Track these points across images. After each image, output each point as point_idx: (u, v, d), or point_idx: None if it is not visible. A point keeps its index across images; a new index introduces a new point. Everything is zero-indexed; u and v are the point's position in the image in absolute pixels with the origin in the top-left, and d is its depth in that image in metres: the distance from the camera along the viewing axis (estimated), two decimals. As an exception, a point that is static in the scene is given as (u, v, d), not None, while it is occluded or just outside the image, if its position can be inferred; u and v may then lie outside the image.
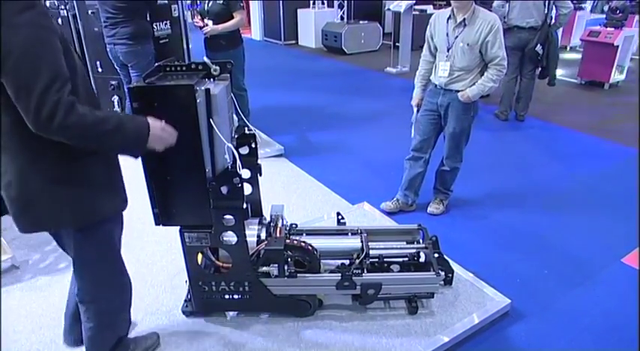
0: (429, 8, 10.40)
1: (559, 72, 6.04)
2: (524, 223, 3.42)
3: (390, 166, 3.70)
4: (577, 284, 2.78)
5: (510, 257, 3.03)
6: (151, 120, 1.61)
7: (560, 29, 5.67)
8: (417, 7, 8.59)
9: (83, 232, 1.71)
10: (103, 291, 1.90)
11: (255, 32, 12.20)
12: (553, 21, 5.19)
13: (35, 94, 1.33)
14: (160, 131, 1.63)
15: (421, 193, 3.60)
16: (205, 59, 2.00)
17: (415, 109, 3.40)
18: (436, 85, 3.23)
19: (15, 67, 1.34)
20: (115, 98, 4.78)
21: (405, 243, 2.71)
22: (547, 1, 5.04)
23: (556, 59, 5.34)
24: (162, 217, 2.06)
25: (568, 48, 9.91)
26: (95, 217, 1.69)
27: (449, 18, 3.07)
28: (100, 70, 4.72)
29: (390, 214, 3.51)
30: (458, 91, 3.11)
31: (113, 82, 4.70)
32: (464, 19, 2.99)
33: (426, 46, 3.30)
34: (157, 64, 2.04)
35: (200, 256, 2.25)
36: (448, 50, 3.07)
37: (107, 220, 1.76)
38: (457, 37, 3.03)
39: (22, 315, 2.50)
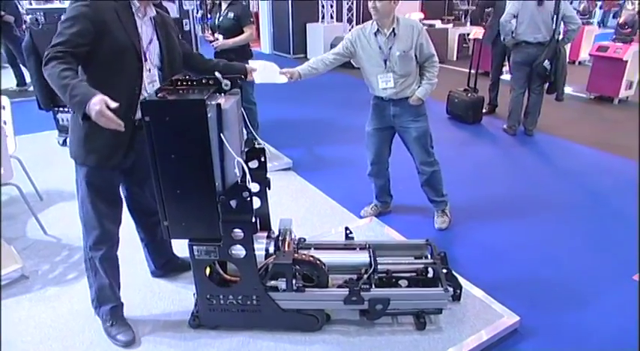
0: (437, 23, 10.48)
1: (567, 87, 6.04)
2: (533, 239, 3.40)
3: (398, 180, 3.70)
4: (588, 301, 2.75)
5: (519, 273, 3.01)
6: (96, 99, 1.72)
7: (569, 44, 5.68)
8: (425, 21, 8.64)
9: (75, 167, 2.22)
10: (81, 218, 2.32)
11: (264, 46, 12.31)
12: (561, 36, 5.20)
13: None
14: (95, 113, 1.72)
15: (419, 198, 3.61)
16: (217, 74, 2.02)
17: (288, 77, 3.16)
18: (383, 98, 3.29)
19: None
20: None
21: (413, 258, 2.70)
22: (555, 17, 5.05)
23: (564, 74, 5.34)
24: (171, 230, 2.08)
25: (577, 63, 9.91)
26: (76, 159, 2.16)
27: (376, 33, 3.15)
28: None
29: (382, 222, 3.51)
30: (408, 98, 3.21)
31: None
32: (393, 30, 3.10)
33: (341, 46, 3.31)
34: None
35: (208, 269, 2.26)
36: (386, 62, 3.15)
37: (84, 166, 2.16)
38: (391, 47, 3.11)
39: (30, 325, 2.51)
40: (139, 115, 1.98)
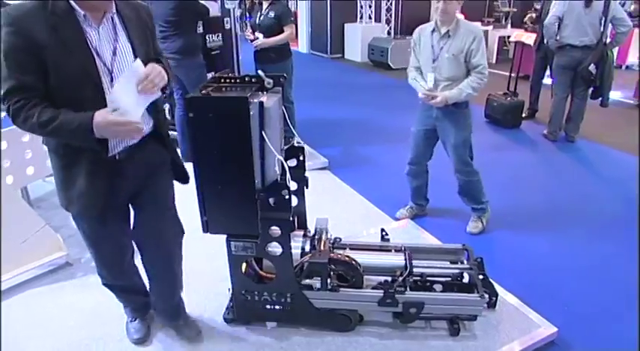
0: (477, 25, 10.29)
1: (613, 92, 5.84)
2: (572, 248, 3.30)
3: (435, 183, 3.66)
4: (629, 316, 2.66)
5: (557, 283, 2.93)
6: (99, 116, 1.58)
7: (616, 47, 5.49)
8: (465, 23, 8.52)
9: None
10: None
11: (302, 45, 12.37)
12: (609, 39, 5.04)
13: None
14: (106, 125, 1.58)
15: (456, 202, 3.56)
16: (260, 72, 2.04)
17: (425, 91, 3.23)
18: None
19: None
20: (166, 106, 4.93)
21: (448, 262, 2.67)
22: (604, 19, 4.89)
23: (610, 79, 5.16)
24: (210, 225, 2.11)
25: (624, 67, 9.60)
26: (61, 205, 1.92)
27: (433, 31, 3.12)
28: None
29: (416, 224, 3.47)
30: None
31: (165, 91, 4.85)
32: (448, 31, 3.05)
33: (412, 57, 3.34)
34: (212, 75, 2.11)
35: (244, 265, 2.29)
36: (434, 61, 3.12)
37: (72, 213, 1.95)
38: (442, 48, 3.07)
39: (74, 310, 2.60)
40: (118, 146, 1.80)
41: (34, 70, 1.57)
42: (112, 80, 1.69)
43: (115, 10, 1.74)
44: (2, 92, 1.58)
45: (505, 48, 10.99)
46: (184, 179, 2.17)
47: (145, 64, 1.74)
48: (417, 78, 3.32)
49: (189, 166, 2.07)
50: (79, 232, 2.04)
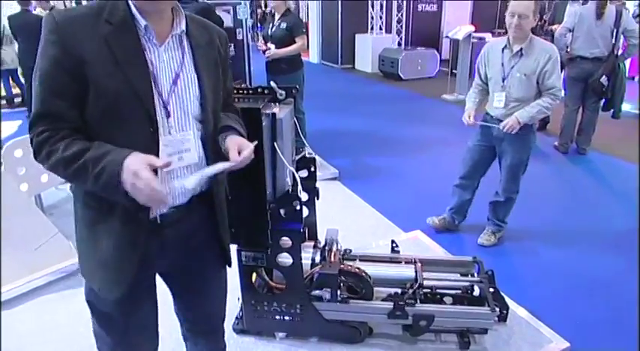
0: (488, 36, 10.31)
1: (625, 104, 5.81)
2: (582, 263, 3.27)
3: (445, 195, 3.65)
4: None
5: (568, 298, 2.90)
6: (131, 160, 1.16)
7: (628, 59, 5.47)
8: (475, 34, 8.54)
9: None
10: None
11: (312, 55, 12.44)
12: (620, 51, 5.02)
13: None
14: (131, 177, 1.14)
15: (469, 216, 3.54)
16: (272, 84, 2.06)
17: (468, 120, 3.23)
18: (492, 116, 3.17)
19: None
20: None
21: (459, 275, 2.65)
22: (615, 31, 4.88)
23: (622, 91, 5.14)
24: (221, 235, 2.12)
25: (635, 79, 9.53)
26: (85, 276, 1.51)
27: (504, 48, 3.03)
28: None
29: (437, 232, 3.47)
30: None
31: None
32: (521, 49, 2.94)
33: (477, 74, 3.28)
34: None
35: (254, 275, 2.29)
36: (504, 80, 3.02)
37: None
38: (513, 67, 2.98)
39: (84, 317, 2.58)
40: (157, 209, 1.37)
41: (71, 94, 1.23)
42: (167, 116, 1.32)
43: (184, 28, 1.37)
44: (30, 118, 1.27)
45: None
46: (226, 262, 1.71)
47: (207, 105, 1.41)
48: (470, 97, 3.27)
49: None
50: (91, 321, 1.61)
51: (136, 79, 1.26)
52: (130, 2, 1.27)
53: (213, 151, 1.44)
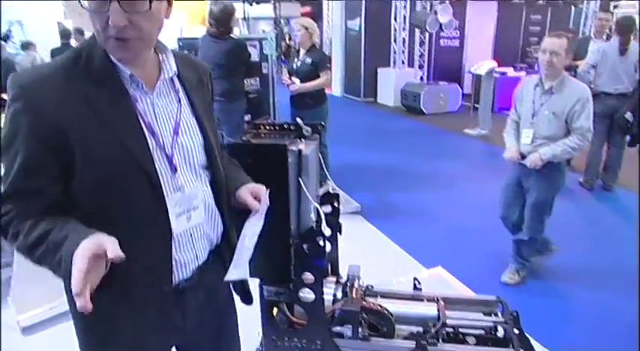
0: (510, 71, 10.34)
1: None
2: (610, 305, 3.18)
3: (467, 230, 3.62)
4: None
5: (595, 341, 2.82)
6: (83, 245, 0.94)
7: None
8: (497, 69, 8.58)
9: None
10: None
11: (335, 88, 12.61)
12: (645, 87, 4.99)
13: None
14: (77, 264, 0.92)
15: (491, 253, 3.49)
16: (298, 120, 2.10)
17: (511, 155, 3.20)
18: (521, 153, 3.16)
19: None
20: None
21: (482, 314, 2.60)
22: (639, 66, 4.86)
23: (649, 127, 5.08)
24: (243, 269, 2.13)
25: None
26: None
27: (537, 85, 3.03)
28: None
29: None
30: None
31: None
32: (551, 87, 2.93)
33: (513, 110, 3.27)
34: (252, 121, 2.16)
35: (275, 310, 2.28)
36: (533, 117, 3.01)
37: None
38: (543, 104, 2.97)
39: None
40: (179, 275, 1.25)
41: (51, 169, 1.06)
42: (173, 171, 1.18)
43: (175, 69, 1.23)
44: (2, 190, 1.08)
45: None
46: (247, 300, 1.71)
47: (212, 150, 1.32)
48: (510, 133, 3.24)
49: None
50: None
51: (129, 139, 1.10)
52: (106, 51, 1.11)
53: (227, 203, 1.37)
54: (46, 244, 1.02)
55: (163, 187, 1.16)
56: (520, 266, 3.40)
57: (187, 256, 1.27)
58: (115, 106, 1.09)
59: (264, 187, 1.39)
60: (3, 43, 9.25)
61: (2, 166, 1.08)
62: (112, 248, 0.93)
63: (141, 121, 1.13)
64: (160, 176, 1.15)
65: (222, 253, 1.45)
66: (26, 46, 8.64)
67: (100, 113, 1.07)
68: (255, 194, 1.36)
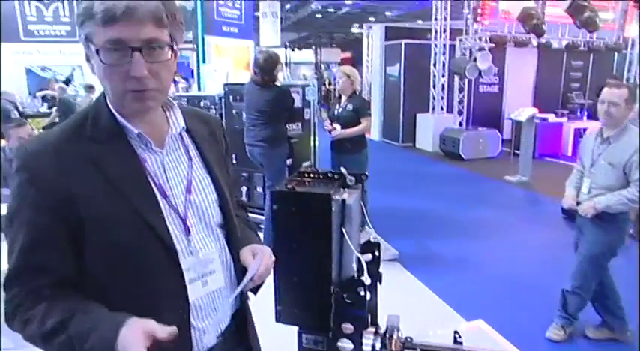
0: (551, 117, 10.23)
1: None
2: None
3: (509, 282, 3.53)
4: None
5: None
6: (127, 333, 0.91)
7: None
8: (538, 115, 8.50)
9: None
10: None
11: (374, 133, 12.71)
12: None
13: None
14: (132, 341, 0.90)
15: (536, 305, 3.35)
16: (342, 170, 2.14)
17: (569, 203, 3.12)
18: (579, 203, 3.06)
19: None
20: (244, 189, 5.17)
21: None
22: None
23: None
24: (283, 315, 2.12)
25: None
26: None
27: (597, 134, 2.98)
28: (234, 162, 5.19)
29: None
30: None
31: (244, 174, 5.14)
32: (609, 137, 2.87)
33: (577, 158, 3.22)
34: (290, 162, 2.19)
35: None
36: (591, 167, 2.96)
37: None
38: (600, 154, 2.90)
39: None
40: (200, 344, 1.16)
41: (61, 241, 1.00)
42: (187, 233, 1.12)
43: (184, 124, 1.18)
44: (4, 277, 1.02)
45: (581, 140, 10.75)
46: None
47: (227, 207, 1.26)
48: (571, 182, 3.18)
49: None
50: None
51: (140, 204, 1.04)
52: (112, 111, 1.07)
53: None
54: (67, 334, 0.95)
55: (178, 252, 1.10)
56: (565, 322, 3.25)
57: (208, 323, 1.19)
58: (124, 168, 1.05)
59: (267, 249, 1.34)
60: (64, 85, 10.01)
61: (6, 243, 1.02)
62: (160, 329, 0.92)
63: (151, 182, 1.08)
64: (174, 240, 1.09)
65: (246, 315, 1.41)
66: (88, 88, 9.32)
67: (109, 177, 1.02)
68: (255, 253, 1.31)
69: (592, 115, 10.70)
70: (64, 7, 11.25)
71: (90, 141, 1.04)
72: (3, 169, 3.63)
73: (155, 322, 0.93)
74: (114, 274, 1.03)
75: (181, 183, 1.15)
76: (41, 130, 8.86)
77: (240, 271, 1.30)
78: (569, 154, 10.22)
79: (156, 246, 1.06)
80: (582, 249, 3.04)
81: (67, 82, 10.64)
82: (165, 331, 0.92)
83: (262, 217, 4.83)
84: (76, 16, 1.01)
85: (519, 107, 8.73)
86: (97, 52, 0.98)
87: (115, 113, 1.07)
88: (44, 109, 10.52)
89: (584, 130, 10.26)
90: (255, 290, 1.50)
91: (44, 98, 10.54)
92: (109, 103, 1.07)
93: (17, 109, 8.85)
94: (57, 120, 9.09)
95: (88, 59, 1.05)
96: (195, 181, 1.18)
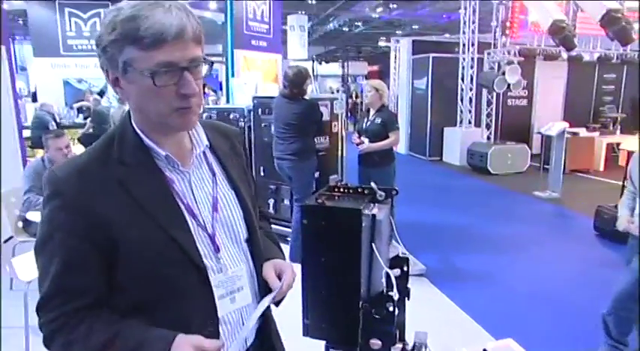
0: (582, 131, 10.04)
1: None
2: None
3: (539, 299, 3.45)
4: None
5: None
6: (176, 344, 0.98)
7: None
8: (569, 129, 8.35)
9: None
10: None
11: (400, 146, 12.66)
12: None
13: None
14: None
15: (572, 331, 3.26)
16: (372, 185, 2.14)
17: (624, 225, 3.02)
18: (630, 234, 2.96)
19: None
20: (271, 201, 5.22)
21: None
22: None
23: None
24: (310, 329, 2.13)
25: None
26: None
27: None
28: (262, 174, 5.25)
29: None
30: None
31: (272, 187, 5.19)
32: None
33: (630, 181, 3.11)
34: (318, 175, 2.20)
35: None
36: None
37: None
38: None
39: None
40: None
41: (95, 263, 1.02)
42: (216, 250, 1.13)
43: (207, 143, 1.18)
44: (39, 300, 1.02)
45: (614, 154, 10.53)
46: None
47: (252, 221, 1.26)
48: (624, 203, 3.10)
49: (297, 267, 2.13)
50: None
51: (171, 225, 1.05)
52: (138, 132, 1.08)
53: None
54: (116, 347, 0.99)
55: (208, 269, 1.11)
56: (610, 349, 3.06)
57: (235, 339, 1.18)
58: (151, 190, 1.06)
59: (289, 266, 1.31)
60: (98, 97, 10.38)
61: (39, 265, 1.03)
62: (208, 343, 0.98)
63: (179, 202, 1.09)
64: (204, 258, 1.10)
65: (270, 330, 1.39)
66: (120, 100, 9.62)
67: (138, 199, 1.03)
68: (278, 271, 1.29)
69: (625, 130, 10.48)
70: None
71: (117, 163, 1.04)
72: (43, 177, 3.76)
73: (201, 337, 0.98)
74: (145, 293, 1.05)
75: (208, 201, 1.15)
76: (76, 141, 9.16)
77: (264, 286, 1.29)
78: (602, 169, 10.00)
79: (185, 265, 1.07)
80: (627, 272, 2.91)
81: (101, 93, 11.02)
82: (213, 345, 0.97)
83: (289, 230, 4.87)
84: (109, 42, 0.98)
85: (549, 121, 8.61)
86: (144, 73, 0.98)
87: (142, 135, 1.08)
88: (79, 119, 10.89)
89: (618, 144, 10.10)
90: (277, 303, 1.45)
91: (80, 110, 10.90)
92: (134, 124, 1.09)
93: (55, 120, 9.16)
94: (91, 130, 9.37)
95: (115, 84, 1.04)
96: (220, 198, 1.19)
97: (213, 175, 1.19)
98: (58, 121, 9.60)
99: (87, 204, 1.00)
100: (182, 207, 1.09)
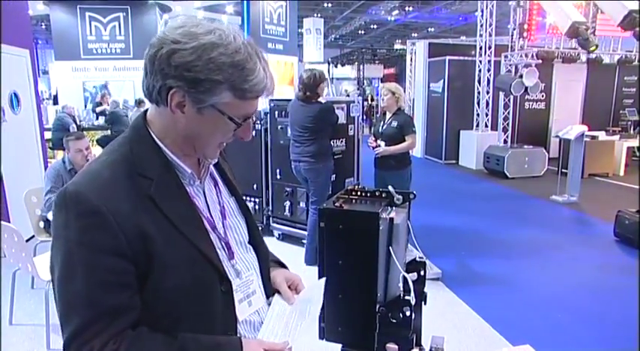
0: (601, 134, 9.89)
1: None
2: None
3: (556, 305, 3.41)
4: None
5: None
6: (247, 348, 1.05)
7: None
8: (588, 132, 8.23)
9: None
10: None
11: (416, 149, 12.60)
12: None
13: (64, 340, 0.97)
14: None
15: (590, 339, 3.21)
16: (390, 189, 2.15)
17: None
18: None
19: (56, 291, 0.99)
20: (287, 203, 5.23)
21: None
22: None
23: None
24: (327, 332, 2.14)
25: None
26: None
27: None
28: (278, 176, 5.27)
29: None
30: None
31: (288, 189, 5.20)
32: None
33: None
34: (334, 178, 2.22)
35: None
36: None
37: None
38: None
39: None
40: None
41: (132, 280, 0.99)
42: (231, 257, 1.16)
43: (216, 157, 1.19)
44: (68, 334, 0.94)
45: (634, 158, 10.36)
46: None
47: (253, 224, 1.30)
48: None
49: (312, 270, 2.14)
50: None
51: (199, 240, 1.07)
52: (162, 146, 1.08)
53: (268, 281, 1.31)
54: None
55: (228, 275, 1.12)
56: None
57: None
58: (178, 205, 1.06)
59: (299, 278, 1.37)
60: (116, 100, 10.58)
61: (68, 295, 0.96)
62: (274, 344, 1.07)
63: (201, 216, 1.11)
64: (225, 267, 1.12)
65: None
66: (139, 102, 9.71)
67: (170, 217, 1.02)
68: (290, 283, 1.33)
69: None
70: (120, 26, 11.91)
71: (142, 178, 1.02)
72: (64, 178, 3.85)
73: (264, 340, 1.08)
74: (169, 307, 1.04)
75: (217, 208, 1.18)
76: (95, 142, 9.30)
77: (269, 286, 1.31)
78: (622, 173, 9.84)
79: (213, 278, 1.09)
80: None
81: (139, 102, 10.18)
82: (280, 346, 1.06)
83: (305, 233, 4.88)
84: (211, 81, 0.98)
85: (567, 124, 8.50)
86: (229, 118, 1.04)
87: (165, 149, 1.08)
88: (99, 122, 11.08)
89: (639, 148, 9.94)
90: None
91: (101, 113, 11.06)
92: (155, 134, 1.08)
93: (75, 122, 9.32)
94: (108, 132, 9.52)
95: (177, 106, 1.02)
96: (225, 205, 1.22)
97: (215, 182, 1.22)
98: (78, 123, 9.76)
99: (121, 220, 0.96)
100: (205, 222, 1.11)
